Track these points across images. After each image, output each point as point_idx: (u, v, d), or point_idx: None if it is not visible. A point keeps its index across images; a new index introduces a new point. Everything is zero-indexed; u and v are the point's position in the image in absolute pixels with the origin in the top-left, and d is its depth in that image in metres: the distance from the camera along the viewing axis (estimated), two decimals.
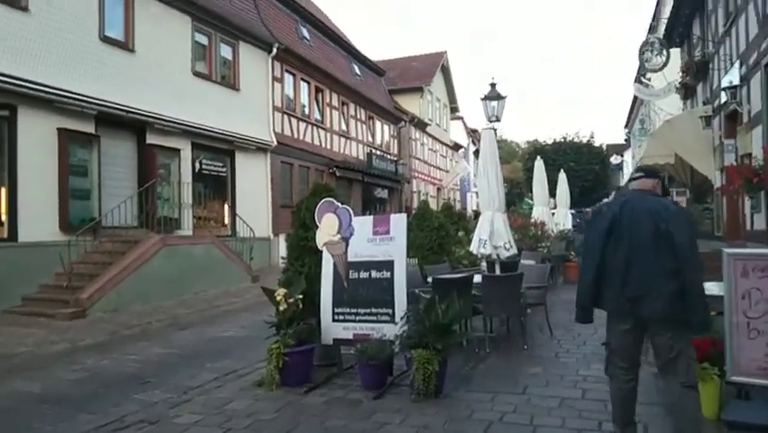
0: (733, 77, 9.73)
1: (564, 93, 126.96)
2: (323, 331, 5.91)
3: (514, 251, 8.12)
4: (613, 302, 3.68)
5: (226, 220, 16.42)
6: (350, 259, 5.90)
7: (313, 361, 5.84)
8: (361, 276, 5.83)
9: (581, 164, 24.40)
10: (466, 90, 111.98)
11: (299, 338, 5.64)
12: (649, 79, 25.61)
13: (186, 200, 14.22)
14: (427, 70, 34.80)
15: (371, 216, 6.02)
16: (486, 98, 11.56)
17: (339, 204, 6.10)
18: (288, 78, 19.72)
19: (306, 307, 5.96)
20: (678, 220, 3.51)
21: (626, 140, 42.15)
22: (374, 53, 34.72)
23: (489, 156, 8.21)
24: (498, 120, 13.21)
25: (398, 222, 5.82)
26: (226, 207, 16.39)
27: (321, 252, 6.06)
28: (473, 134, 55.65)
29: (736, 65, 9.81)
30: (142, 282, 11.12)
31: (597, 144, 27.88)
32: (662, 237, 3.46)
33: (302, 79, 20.54)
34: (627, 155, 41.64)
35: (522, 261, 9.01)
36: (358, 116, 25.48)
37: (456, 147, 43.14)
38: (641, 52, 12.97)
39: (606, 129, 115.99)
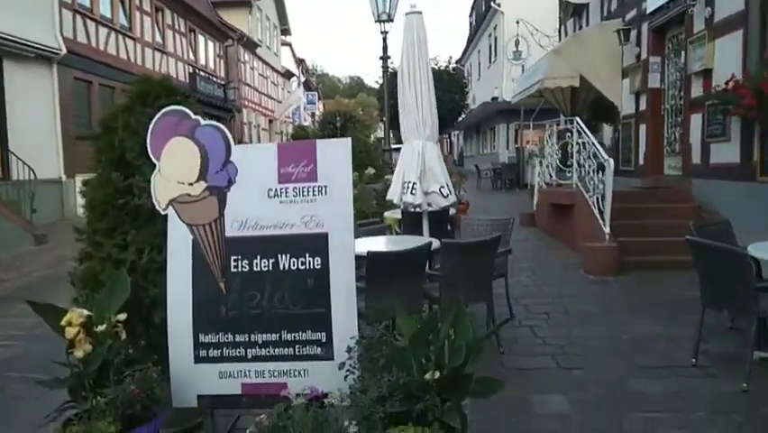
0: None
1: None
2: (174, 382, 2.83)
3: (453, 198, 5.56)
4: None
5: None
6: (230, 233, 2.83)
7: None
8: (255, 268, 2.81)
9: (442, 92, 22.49)
10: (296, 12, 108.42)
11: (128, 410, 2.53)
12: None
13: None
14: None
15: (275, 144, 2.92)
16: None
17: (200, 118, 2.93)
18: None
19: (136, 334, 2.83)
20: None
21: (453, 72, 41.71)
22: None
23: (418, 53, 5.41)
24: (389, 20, 10.42)
25: (333, 153, 2.84)
26: None
27: (164, 218, 2.90)
28: (302, 64, 51.65)
29: None
30: None
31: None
32: None
33: None
34: None
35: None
36: (176, 27, 20.67)
37: (288, 75, 39.22)
38: None
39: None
